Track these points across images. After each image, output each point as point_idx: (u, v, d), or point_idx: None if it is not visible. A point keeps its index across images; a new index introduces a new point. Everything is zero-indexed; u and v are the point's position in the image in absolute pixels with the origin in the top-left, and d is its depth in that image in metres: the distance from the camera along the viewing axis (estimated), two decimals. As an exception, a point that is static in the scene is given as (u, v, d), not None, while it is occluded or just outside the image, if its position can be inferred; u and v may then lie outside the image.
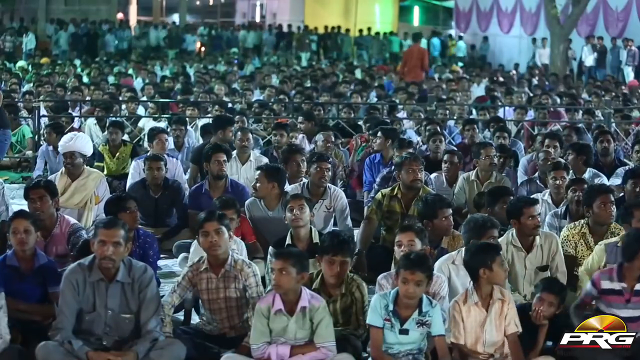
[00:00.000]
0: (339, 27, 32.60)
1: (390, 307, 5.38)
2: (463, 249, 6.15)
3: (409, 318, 5.39)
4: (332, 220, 7.98)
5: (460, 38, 32.33)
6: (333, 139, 10.20)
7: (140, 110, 14.03)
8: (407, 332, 5.39)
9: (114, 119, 12.11)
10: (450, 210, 6.84)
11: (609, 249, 6.34)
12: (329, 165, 8.09)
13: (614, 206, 6.77)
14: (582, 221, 6.91)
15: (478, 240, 5.98)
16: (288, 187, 8.03)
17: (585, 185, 7.38)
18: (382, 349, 5.41)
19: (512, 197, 7.15)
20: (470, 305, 5.52)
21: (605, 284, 5.77)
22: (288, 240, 6.73)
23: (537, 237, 6.53)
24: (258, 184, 7.75)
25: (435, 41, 31.52)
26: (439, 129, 11.03)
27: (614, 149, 10.16)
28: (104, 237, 5.45)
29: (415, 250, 5.72)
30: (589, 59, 24.47)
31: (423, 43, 30.70)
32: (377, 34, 33.17)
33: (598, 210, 6.71)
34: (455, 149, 10.16)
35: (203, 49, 31.63)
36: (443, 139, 10.20)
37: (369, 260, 7.43)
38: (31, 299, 5.88)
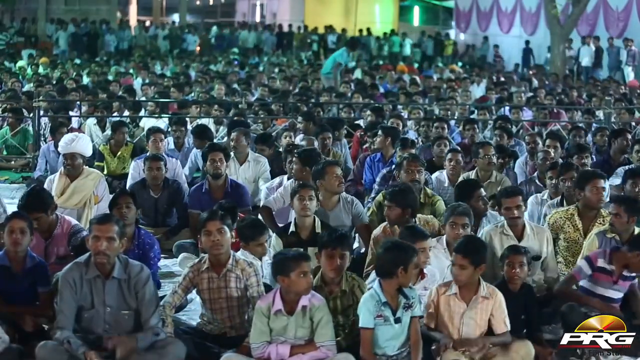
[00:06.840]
0: (333, 27, 32.58)
1: (383, 299, 5.41)
2: (444, 236, 6.49)
3: (398, 306, 5.43)
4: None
5: (486, 39, 31.68)
6: (332, 139, 10.18)
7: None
8: (400, 320, 5.44)
9: (116, 118, 12.09)
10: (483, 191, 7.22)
11: (600, 237, 6.60)
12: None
13: (605, 191, 6.99)
14: (572, 206, 7.15)
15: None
16: None
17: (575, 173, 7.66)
18: (375, 350, 5.43)
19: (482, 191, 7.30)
20: (449, 296, 5.61)
21: (600, 262, 6.13)
22: (292, 228, 6.88)
23: (527, 227, 6.75)
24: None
25: (429, 42, 31.42)
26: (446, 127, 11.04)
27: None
28: (98, 232, 5.48)
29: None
30: (585, 59, 24.45)
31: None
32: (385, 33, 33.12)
33: (589, 194, 6.91)
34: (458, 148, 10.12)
35: (199, 49, 31.59)
36: (447, 142, 10.02)
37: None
38: (22, 298, 5.88)
